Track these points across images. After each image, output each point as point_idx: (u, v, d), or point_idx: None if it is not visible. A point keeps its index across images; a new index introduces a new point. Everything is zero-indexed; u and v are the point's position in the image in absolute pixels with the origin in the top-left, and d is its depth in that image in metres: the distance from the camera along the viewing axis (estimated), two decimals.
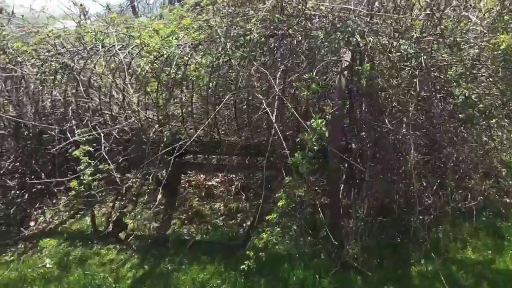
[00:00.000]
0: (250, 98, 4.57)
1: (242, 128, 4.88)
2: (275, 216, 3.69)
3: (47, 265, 5.03)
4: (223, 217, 5.99)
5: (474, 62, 4.80)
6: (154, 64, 4.82)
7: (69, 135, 4.79)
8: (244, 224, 5.72)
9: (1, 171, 6.07)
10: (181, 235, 5.56)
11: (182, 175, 6.05)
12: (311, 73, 4.20)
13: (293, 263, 4.83)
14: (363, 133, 4.68)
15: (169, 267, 4.89)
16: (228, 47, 4.36)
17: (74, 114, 5.12)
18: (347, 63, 4.30)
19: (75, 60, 5.07)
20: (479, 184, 5.90)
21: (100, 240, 5.44)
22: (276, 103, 4.00)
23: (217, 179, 6.90)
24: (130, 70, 4.95)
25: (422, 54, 4.41)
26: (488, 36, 4.75)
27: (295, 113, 3.95)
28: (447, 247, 5.04)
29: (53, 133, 5.37)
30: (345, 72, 4.29)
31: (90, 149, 4.27)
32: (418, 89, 4.28)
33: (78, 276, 4.79)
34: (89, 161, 4.18)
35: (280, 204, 3.60)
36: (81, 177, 4.14)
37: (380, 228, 5.13)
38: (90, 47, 5.09)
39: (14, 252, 5.36)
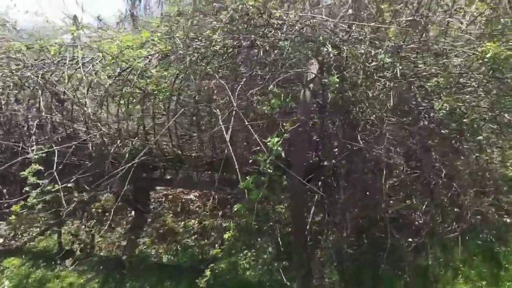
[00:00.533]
0: (209, 113, 4.25)
1: (203, 143, 4.56)
2: (219, 250, 3.35)
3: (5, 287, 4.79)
4: (196, 236, 5.67)
5: (461, 72, 4.39)
6: (119, 77, 4.58)
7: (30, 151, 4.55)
8: (216, 245, 5.40)
9: None
10: (147, 256, 5.26)
11: (150, 191, 5.75)
12: (272, 87, 3.87)
13: None
14: (336, 150, 4.31)
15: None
16: (188, 59, 4.07)
17: (39, 130, 4.88)
18: (313, 76, 3.95)
19: (40, 74, 4.83)
20: (476, 202, 5.44)
21: (64, 260, 5.18)
22: (232, 119, 3.67)
23: (196, 193, 6.59)
24: (93, 84, 4.69)
25: (398, 64, 4.03)
26: (476, 43, 4.36)
27: (251, 130, 3.60)
28: (437, 276, 4.60)
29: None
30: (311, 85, 3.93)
31: (41, 168, 4.01)
32: (392, 103, 3.90)
33: None
34: (37, 181, 3.92)
35: (226, 236, 3.26)
36: (29, 198, 3.90)
37: (360, 252, 4.74)
38: (57, 61, 4.86)
39: None
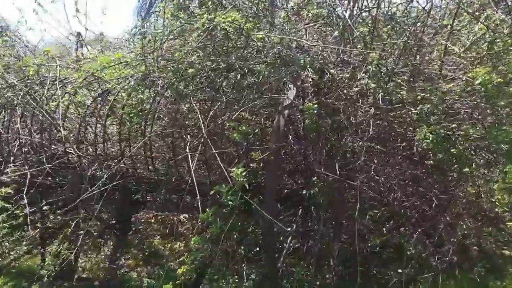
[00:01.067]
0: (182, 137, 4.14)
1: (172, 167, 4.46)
2: (170, 286, 3.21)
3: None
4: (182, 259, 5.53)
5: (453, 97, 4.14)
6: (100, 97, 4.54)
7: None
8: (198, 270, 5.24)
9: None
10: (129, 279, 5.16)
11: (132, 214, 5.66)
12: (244, 113, 3.74)
13: None
14: (314, 179, 4.12)
15: None
16: (160, 82, 3.98)
17: (19, 151, 4.88)
18: (289, 101, 3.80)
19: (21, 95, 4.84)
20: (473, 231, 5.13)
21: (46, 281, 5.13)
22: (199, 147, 3.55)
23: (185, 215, 6.47)
24: (73, 104, 4.67)
25: (380, 90, 3.83)
26: (468, 68, 4.14)
27: (218, 159, 3.46)
28: None
29: None
30: (286, 112, 3.78)
31: (10, 191, 3.97)
32: (370, 131, 3.70)
33: None
34: (5, 205, 3.89)
35: (180, 271, 3.12)
36: None
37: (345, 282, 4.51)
38: (39, 81, 4.85)
39: None
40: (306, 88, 4.00)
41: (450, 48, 4.24)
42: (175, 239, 5.96)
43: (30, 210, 3.92)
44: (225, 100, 3.98)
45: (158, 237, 6.04)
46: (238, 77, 4.16)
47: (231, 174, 3.20)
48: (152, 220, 6.34)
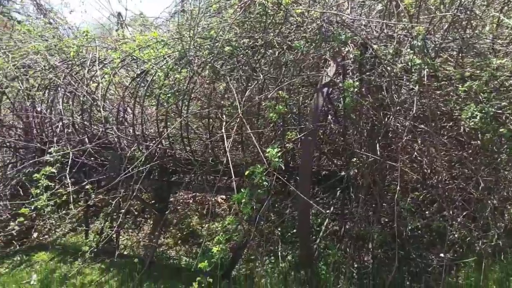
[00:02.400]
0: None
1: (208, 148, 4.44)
2: (206, 264, 3.19)
3: (32, 282, 4.99)
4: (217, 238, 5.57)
5: (504, 74, 3.87)
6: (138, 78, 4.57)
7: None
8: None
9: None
10: (167, 258, 5.26)
11: (170, 194, 5.72)
12: (281, 92, 3.64)
13: None
14: (354, 160, 3.98)
15: None
16: (196, 62, 3.94)
17: (62, 132, 5.02)
18: (328, 79, 3.66)
19: (62, 76, 4.95)
20: None
21: (88, 257, 5.32)
22: (235, 126, 3.50)
23: (223, 196, 6.50)
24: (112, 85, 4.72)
25: (425, 66, 3.62)
26: None
27: (254, 139, 3.41)
28: None
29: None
30: (325, 90, 3.65)
31: (54, 170, 4.09)
32: (414, 109, 3.51)
33: None
34: (50, 184, 4.01)
35: (215, 250, 3.10)
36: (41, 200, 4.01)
37: (383, 268, 4.40)
38: (79, 62, 4.94)
39: (10, 264, 5.42)
40: (347, 64, 3.83)
41: (504, 21, 3.95)
42: (212, 219, 6.02)
43: (73, 189, 4.02)
44: (262, 78, 3.89)
45: (196, 217, 6.11)
46: (276, 54, 4.05)
47: (266, 154, 3.13)
48: (190, 201, 6.42)
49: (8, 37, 5.55)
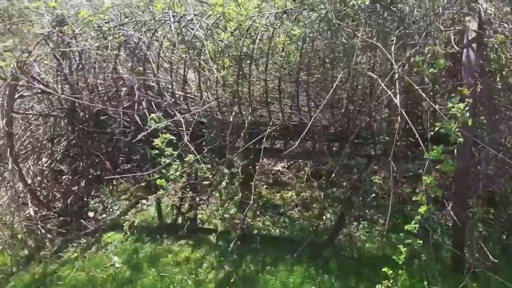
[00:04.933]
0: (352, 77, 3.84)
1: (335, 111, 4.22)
2: (414, 225, 3.03)
3: (116, 265, 4.55)
4: (298, 208, 5.42)
5: None
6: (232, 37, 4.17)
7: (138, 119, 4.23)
8: (325, 218, 5.15)
9: (54, 157, 5.55)
10: (256, 229, 5.02)
11: (257, 163, 5.45)
12: (435, 46, 3.49)
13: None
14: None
15: (253, 268, 4.36)
16: (330, 15, 3.65)
17: (141, 95, 4.51)
18: (474, 34, 3.56)
19: (142, 32, 4.42)
20: None
21: (168, 234, 4.95)
22: (397, 84, 3.29)
23: (282, 164, 6.31)
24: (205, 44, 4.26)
25: None
26: None
27: (423, 95, 3.25)
28: None
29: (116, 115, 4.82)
30: (474, 45, 3.54)
31: (172, 137, 3.67)
32: None
33: (152, 278, 4.30)
34: (172, 152, 3.59)
35: (421, 210, 2.95)
36: (167, 172, 3.61)
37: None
38: (158, 18, 4.41)
39: (76, 247, 4.89)
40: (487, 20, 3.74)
41: None
42: (282, 188, 5.83)
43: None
44: (399, 33, 3.69)
45: (265, 187, 5.88)
46: (407, 9, 3.86)
47: (452, 109, 2.99)
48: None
49: None
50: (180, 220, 5.16)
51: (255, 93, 4.33)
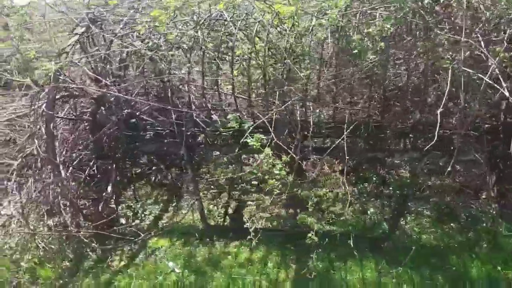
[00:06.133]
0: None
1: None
2: None
3: (176, 270, 4.30)
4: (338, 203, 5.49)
5: None
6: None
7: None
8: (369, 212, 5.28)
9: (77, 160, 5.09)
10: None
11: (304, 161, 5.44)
12: None
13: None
14: None
15: (321, 266, 4.35)
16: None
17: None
18: None
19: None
20: None
21: (214, 235, 4.77)
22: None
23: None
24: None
25: None
26: None
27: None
28: None
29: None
30: None
31: (263, 137, 3.58)
32: None
33: (223, 281, 4.12)
34: (268, 152, 3.49)
35: None
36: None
37: None
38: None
39: (121, 255, 4.54)
40: None
41: None
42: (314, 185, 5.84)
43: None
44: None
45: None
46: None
47: None
48: None
49: None
50: (228, 221, 5.00)
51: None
